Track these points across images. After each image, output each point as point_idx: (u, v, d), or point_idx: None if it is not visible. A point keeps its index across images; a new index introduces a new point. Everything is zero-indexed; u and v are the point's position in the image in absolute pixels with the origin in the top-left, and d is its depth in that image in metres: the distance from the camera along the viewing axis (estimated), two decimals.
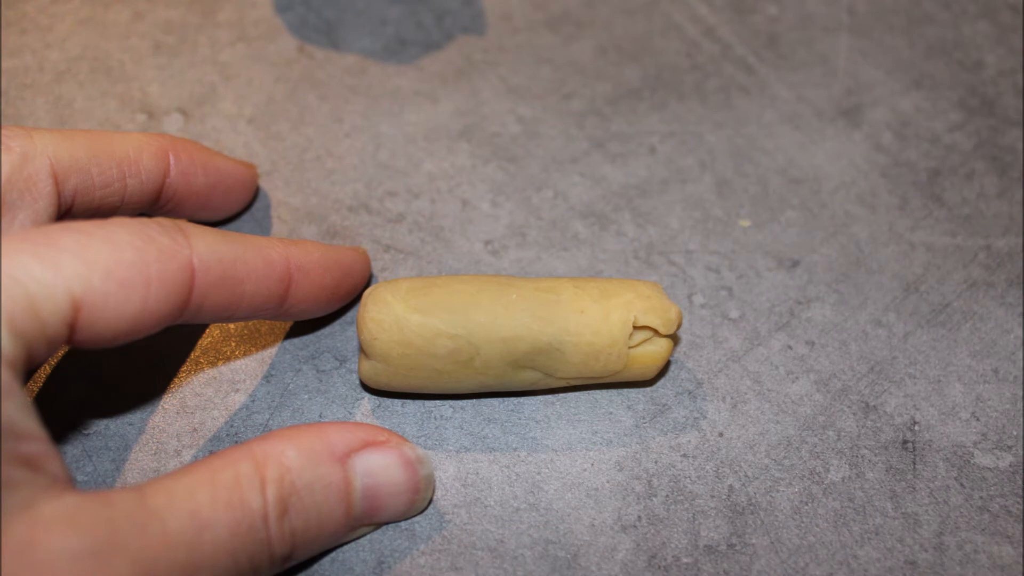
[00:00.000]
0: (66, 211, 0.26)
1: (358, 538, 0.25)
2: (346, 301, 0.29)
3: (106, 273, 0.21)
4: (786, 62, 0.37)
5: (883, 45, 0.38)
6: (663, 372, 0.29)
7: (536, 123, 0.35)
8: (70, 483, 0.20)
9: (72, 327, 0.21)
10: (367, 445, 0.24)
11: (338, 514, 0.23)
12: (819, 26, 0.39)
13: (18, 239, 0.20)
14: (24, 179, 0.24)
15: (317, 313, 0.28)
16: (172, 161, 0.28)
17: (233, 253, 0.24)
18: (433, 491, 0.26)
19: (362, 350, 0.27)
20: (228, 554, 0.21)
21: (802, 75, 0.37)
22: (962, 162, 0.35)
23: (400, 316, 0.25)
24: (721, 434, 0.28)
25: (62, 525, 0.19)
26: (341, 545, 0.25)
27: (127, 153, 0.27)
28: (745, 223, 0.33)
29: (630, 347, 0.27)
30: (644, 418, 0.28)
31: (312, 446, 0.23)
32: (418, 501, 0.25)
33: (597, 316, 0.26)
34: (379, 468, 0.24)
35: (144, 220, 0.23)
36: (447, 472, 0.27)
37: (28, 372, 0.21)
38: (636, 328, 0.26)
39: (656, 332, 0.27)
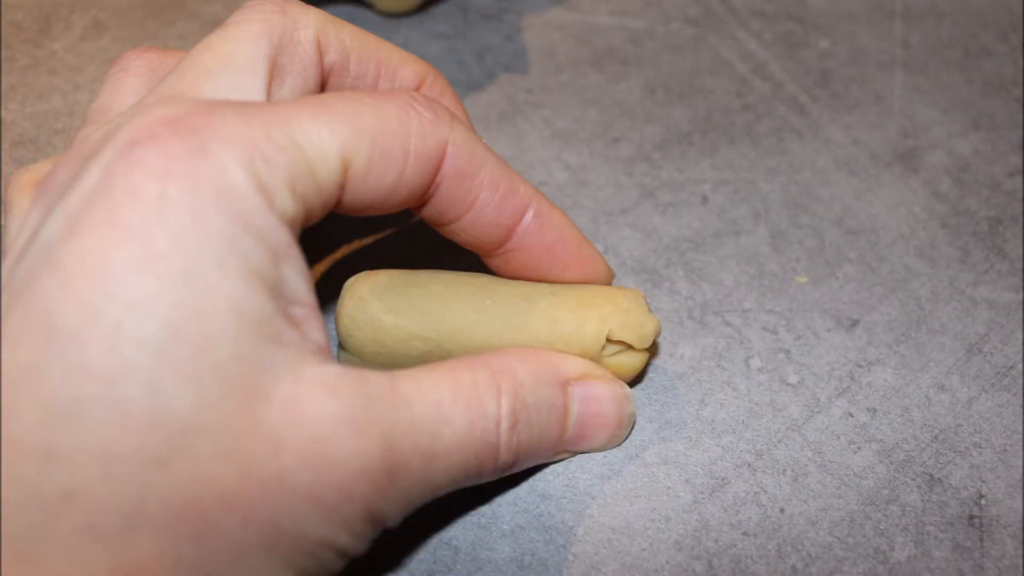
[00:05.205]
0: (320, 89, 0.25)
1: (554, 463, 0.27)
2: (547, 278, 0.27)
3: (372, 141, 0.21)
4: (839, 101, 0.36)
5: (939, 82, 0.37)
6: (639, 379, 0.29)
7: (583, 170, 0.34)
8: (330, 353, 0.21)
9: (342, 191, 0.21)
10: (585, 376, 0.25)
11: (553, 436, 0.25)
12: (872, 61, 0.37)
13: (296, 104, 0.21)
14: (294, 43, 0.24)
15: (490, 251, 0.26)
16: (427, 85, 0.27)
17: (484, 154, 0.24)
18: (631, 429, 0.28)
19: (339, 342, 0.27)
20: (461, 450, 0.22)
21: (856, 116, 0.36)
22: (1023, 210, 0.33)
23: (374, 316, 0.25)
24: (782, 510, 0.27)
25: (325, 389, 0.20)
26: (536, 470, 0.27)
27: (389, 58, 0.26)
28: (802, 279, 0.31)
29: (607, 356, 0.26)
30: (703, 493, 0.27)
31: (541, 368, 0.24)
32: (618, 436, 0.27)
33: (570, 327, 0.26)
34: (593, 399, 0.26)
35: (411, 92, 0.23)
36: (502, 553, 0.26)
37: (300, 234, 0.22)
38: (610, 342, 0.26)
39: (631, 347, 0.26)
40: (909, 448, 0.28)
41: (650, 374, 0.29)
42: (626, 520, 0.27)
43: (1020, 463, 0.28)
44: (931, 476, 0.28)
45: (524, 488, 0.27)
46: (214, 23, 0.37)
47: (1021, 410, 0.29)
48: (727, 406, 0.29)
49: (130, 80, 0.24)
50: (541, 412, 0.24)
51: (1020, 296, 0.31)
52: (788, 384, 0.29)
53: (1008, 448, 0.28)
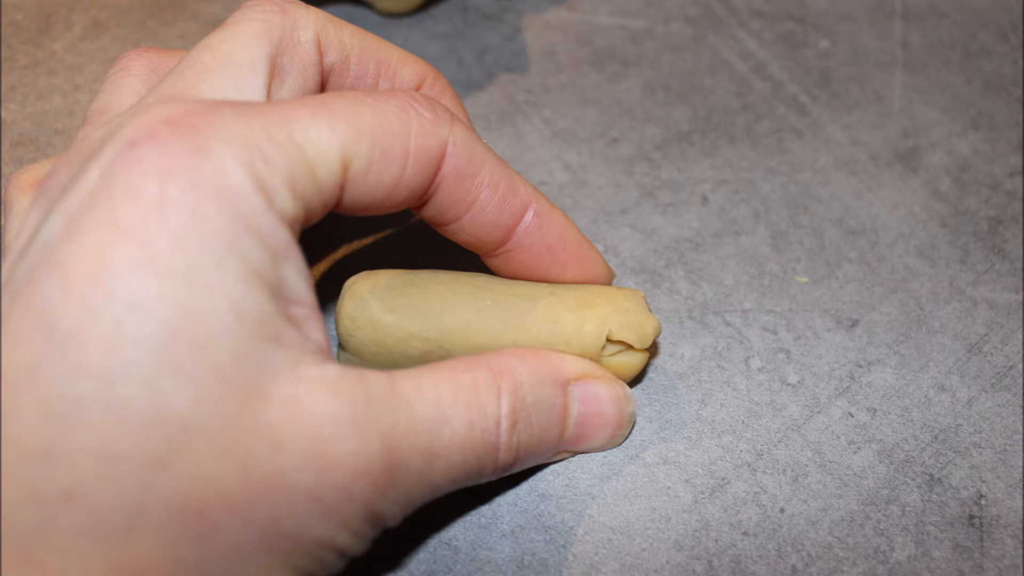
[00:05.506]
0: (320, 89, 0.25)
1: (554, 463, 0.27)
2: (547, 278, 0.27)
3: (372, 141, 0.21)
4: (839, 101, 0.36)
5: (939, 82, 0.37)
6: (639, 379, 0.29)
7: (583, 170, 0.34)
8: (329, 353, 0.21)
9: (342, 191, 0.21)
10: (585, 376, 0.25)
11: (552, 436, 0.25)
12: (872, 61, 0.37)
13: (296, 104, 0.21)
14: (294, 43, 0.24)
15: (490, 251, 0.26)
16: (427, 85, 0.28)
17: (484, 154, 0.24)
18: (631, 429, 0.28)
19: (339, 342, 0.27)
20: (461, 450, 0.22)
21: (856, 115, 0.36)
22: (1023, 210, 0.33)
23: (375, 316, 0.25)
24: (782, 510, 0.27)
25: (325, 389, 0.20)
26: (536, 470, 0.27)
27: (389, 58, 0.26)
28: (802, 279, 0.31)
29: (607, 356, 0.26)
30: (703, 493, 0.27)
31: (541, 368, 0.24)
32: (618, 437, 0.27)
33: (570, 327, 0.26)
34: (593, 399, 0.26)
35: (411, 92, 0.23)
36: (502, 553, 0.26)
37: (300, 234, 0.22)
38: (610, 342, 0.26)
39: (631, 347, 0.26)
40: (909, 448, 0.28)
41: (650, 374, 0.29)
42: (626, 520, 0.27)
43: (1020, 463, 0.28)
44: (931, 476, 0.28)
45: (524, 488, 0.27)
46: (214, 23, 0.37)
47: (1021, 410, 0.29)
48: (727, 406, 0.29)
49: (130, 80, 0.24)
50: (541, 412, 0.24)
51: (1020, 296, 0.31)
52: (788, 384, 0.29)
53: (1008, 448, 0.28)
